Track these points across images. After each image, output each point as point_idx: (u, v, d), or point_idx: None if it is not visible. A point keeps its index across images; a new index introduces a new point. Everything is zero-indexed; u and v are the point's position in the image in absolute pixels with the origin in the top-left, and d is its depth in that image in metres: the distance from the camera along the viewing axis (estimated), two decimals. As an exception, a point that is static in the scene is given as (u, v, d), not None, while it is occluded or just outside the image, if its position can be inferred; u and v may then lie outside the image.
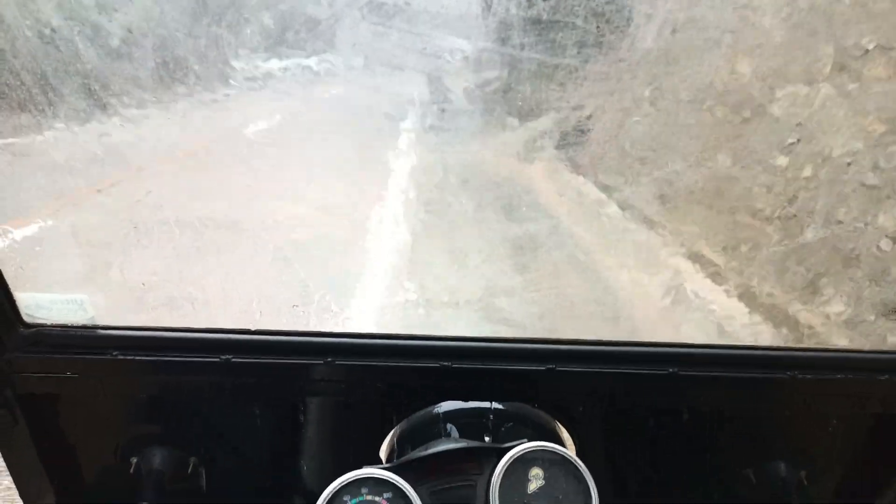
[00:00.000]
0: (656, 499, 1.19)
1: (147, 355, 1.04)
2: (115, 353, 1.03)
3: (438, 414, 1.13)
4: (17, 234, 0.99)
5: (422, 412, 1.14)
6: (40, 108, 1.00)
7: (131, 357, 1.04)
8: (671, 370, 1.08)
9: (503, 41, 1.43)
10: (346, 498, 0.92)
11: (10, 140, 0.95)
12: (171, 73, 1.15)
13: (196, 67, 1.17)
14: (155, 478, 1.15)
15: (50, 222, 1.10)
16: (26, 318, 1.03)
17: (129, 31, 1.09)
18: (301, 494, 1.24)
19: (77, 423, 1.14)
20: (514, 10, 1.37)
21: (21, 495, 1.20)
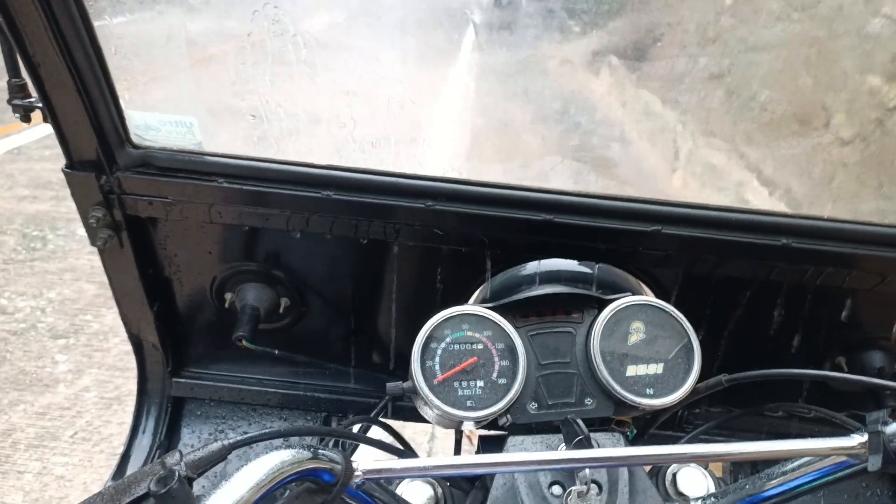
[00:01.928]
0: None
1: (251, 185, 1.04)
2: (220, 180, 1.04)
3: (536, 270, 1.11)
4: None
5: (518, 266, 1.12)
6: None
7: (236, 185, 1.04)
8: (783, 241, 1.04)
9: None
10: (446, 332, 0.92)
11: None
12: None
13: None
14: (249, 314, 1.17)
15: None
16: (135, 139, 1.03)
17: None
18: (388, 342, 1.26)
19: (178, 252, 1.16)
20: None
21: (123, 321, 1.25)
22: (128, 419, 2.89)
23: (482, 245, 1.09)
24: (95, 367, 3.17)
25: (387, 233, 1.08)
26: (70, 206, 4.85)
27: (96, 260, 3.90)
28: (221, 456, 0.64)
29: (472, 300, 1.18)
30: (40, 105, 0.97)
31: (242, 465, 0.63)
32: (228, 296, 1.21)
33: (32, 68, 0.91)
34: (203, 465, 0.63)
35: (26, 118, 1.00)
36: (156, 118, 1.01)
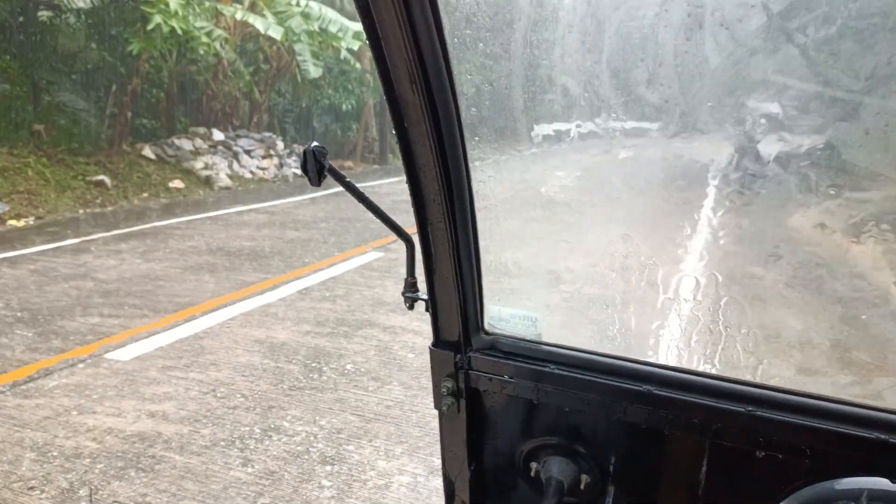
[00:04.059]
0: None
1: (578, 373, 1.20)
2: (552, 367, 1.21)
3: (859, 486, 1.07)
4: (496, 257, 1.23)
5: (833, 480, 1.10)
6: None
7: (565, 372, 1.20)
8: None
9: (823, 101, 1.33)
10: None
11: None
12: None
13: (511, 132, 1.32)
14: (555, 486, 1.29)
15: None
16: (488, 327, 1.26)
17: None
18: None
19: (499, 421, 1.34)
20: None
21: (444, 476, 1.45)
22: (379, 557, 3.08)
23: (801, 455, 1.10)
24: (354, 498, 3.48)
25: (702, 433, 1.14)
26: (340, 343, 5.56)
27: (361, 394, 4.37)
28: None
29: None
30: (424, 297, 1.25)
31: None
32: (534, 465, 1.34)
33: (430, 272, 1.20)
34: None
35: (411, 307, 1.29)
36: (508, 312, 1.24)
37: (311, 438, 4.06)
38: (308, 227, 10.75)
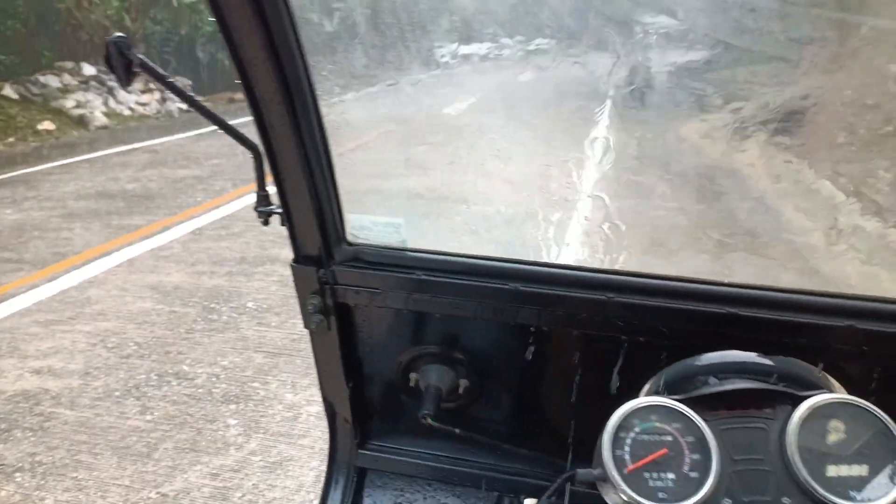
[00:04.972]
0: None
1: (446, 277, 1.16)
2: (420, 274, 1.17)
3: (714, 361, 1.12)
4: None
5: (694, 357, 1.14)
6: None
7: (434, 278, 1.16)
8: None
9: (713, 23, 1.37)
10: (635, 422, 0.95)
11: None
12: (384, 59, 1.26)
13: (404, 54, 1.26)
14: (433, 393, 1.27)
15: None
16: (350, 238, 1.19)
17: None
18: (561, 427, 1.31)
19: (373, 335, 1.30)
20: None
21: (323, 396, 1.40)
22: (289, 483, 3.09)
23: (661, 336, 1.12)
24: (261, 433, 3.43)
25: (568, 323, 1.14)
26: (240, 282, 5.37)
27: (264, 330, 4.27)
28: None
29: (644, 391, 1.21)
30: (279, 211, 1.16)
31: None
32: (413, 375, 1.32)
33: (280, 182, 1.10)
34: None
35: (266, 222, 1.19)
36: (369, 220, 1.17)
37: (214, 380, 3.94)
38: (198, 163, 10.14)
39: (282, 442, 3.34)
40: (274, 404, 3.66)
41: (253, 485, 3.07)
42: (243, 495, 3.00)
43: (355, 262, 1.20)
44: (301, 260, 1.20)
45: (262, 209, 1.18)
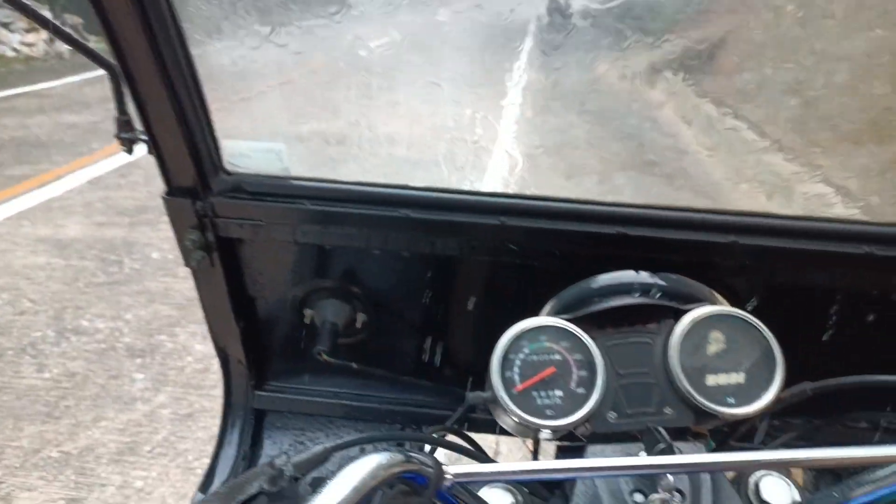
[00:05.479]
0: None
1: (332, 206, 1.10)
2: (306, 203, 1.10)
3: (608, 282, 1.12)
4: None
5: (589, 279, 1.14)
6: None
7: (322, 207, 1.10)
8: (867, 249, 1.03)
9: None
10: (524, 343, 0.95)
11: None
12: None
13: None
14: (328, 329, 1.23)
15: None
16: (228, 167, 1.11)
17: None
18: (461, 356, 1.30)
19: (262, 271, 1.23)
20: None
21: (212, 338, 1.33)
22: (201, 434, 3.01)
23: (554, 259, 1.12)
24: (170, 385, 3.31)
25: (462, 249, 1.12)
26: (143, 232, 5.09)
27: (171, 281, 4.08)
28: (324, 458, 0.69)
29: (543, 313, 1.21)
30: (144, 138, 1.06)
31: (341, 468, 0.67)
32: (308, 312, 1.27)
33: (140, 104, 1.00)
34: (308, 467, 0.67)
35: (130, 150, 1.09)
36: (247, 146, 1.08)
37: (117, 334, 3.75)
38: (93, 109, 9.40)
39: (192, 394, 3.23)
40: (183, 356, 3.53)
41: (163, 438, 2.97)
42: (152, 448, 2.91)
43: (236, 193, 1.11)
44: (175, 192, 1.11)
45: (124, 136, 1.07)
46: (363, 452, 0.70)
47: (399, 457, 0.70)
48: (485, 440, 1.16)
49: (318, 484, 0.65)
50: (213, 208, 1.11)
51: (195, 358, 3.53)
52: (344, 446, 0.71)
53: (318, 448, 0.68)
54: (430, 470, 0.71)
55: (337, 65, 1.16)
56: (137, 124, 1.06)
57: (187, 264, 1.19)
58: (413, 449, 0.74)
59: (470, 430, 1.30)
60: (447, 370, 1.34)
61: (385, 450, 0.70)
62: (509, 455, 2.72)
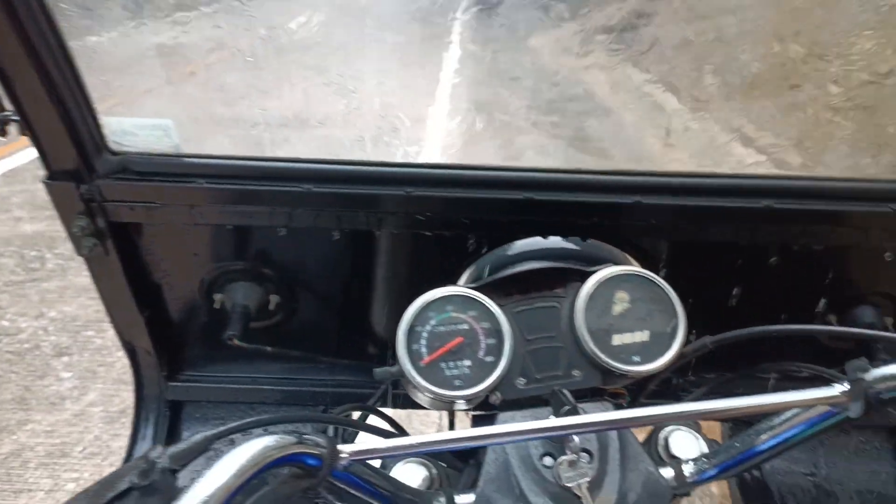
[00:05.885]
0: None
1: (231, 183, 1.05)
2: (202, 182, 1.04)
3: (521, 249, 1.11)
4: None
5: (504, 247, 1.13)
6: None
7: (216, 185, 1.04)
8: (765, 203, 1.04)
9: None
10: (430, 314, 0.93)
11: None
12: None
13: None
14: (239, 313, 1.18)
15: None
16: (112, 146, 1.04)
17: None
18: (380, 332, 1.27)
19: (164, 256, 1.17)
20: None
21: (115, 329, 1.26)
22: (135, 431, 2.90)
23: (465, 228, 1.10)
24: (100, 382, 3.18)
25: (370, 222, 1.08)
26: (66, 225, 4.86)
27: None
28: (204, 447, 0.64)
29: (459, 284, 1.19)
30: (16, 118, 0.98)
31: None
32: (218, 296, 1.22)
33: (6, 81, 0.92)
34: (186, 457, 0.63)
35: (2, 132, 1.00)
36: (132, 123, 1.01)
37: (41, 332, 3.57)
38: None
39: (124, 390, 3.12)
40: (113, 351, 3.40)
41: (94, 437, 2.86)
42: (84, 448, 2.80)
43: (123, 174, 1.04)
44: (56, 175, 1.03)
45: None
46: (250, 436, 0.66)
47: (288, 439, 0.67)
48: (430, 416, 1.14)
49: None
50: (100, 191, 1.04)
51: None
52: (226, 433, 0.67)
53: (197, 437, 0.64)
54: (322, 450, 0.68)
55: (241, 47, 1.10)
56: (7, 104, 0.98)
57: (79, 252, 1.11)
58: (306, 430, 0.71)
59: (397, 406, 1.28)
60: (369, 347, 1.32)
61: (271, 433, 0.67)
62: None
